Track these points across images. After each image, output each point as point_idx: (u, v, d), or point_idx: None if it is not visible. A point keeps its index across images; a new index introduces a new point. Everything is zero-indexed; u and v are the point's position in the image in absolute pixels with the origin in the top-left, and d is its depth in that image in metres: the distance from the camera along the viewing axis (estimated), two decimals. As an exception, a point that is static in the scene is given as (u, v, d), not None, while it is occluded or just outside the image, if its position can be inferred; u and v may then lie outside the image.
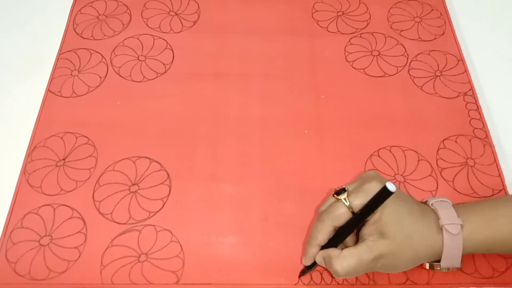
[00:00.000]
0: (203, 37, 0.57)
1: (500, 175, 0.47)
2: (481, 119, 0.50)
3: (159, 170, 0.47)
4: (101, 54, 0.55)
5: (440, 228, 0.37)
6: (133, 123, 0.50)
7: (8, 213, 0.44)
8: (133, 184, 0.46)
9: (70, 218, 0.44)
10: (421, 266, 0.40)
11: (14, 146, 0.48)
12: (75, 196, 0.45)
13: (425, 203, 0.40)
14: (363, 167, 0.47)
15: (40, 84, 0.52)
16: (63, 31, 0.57)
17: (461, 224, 0.37)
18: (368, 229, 0.37)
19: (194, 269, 0.41)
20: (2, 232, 0.43)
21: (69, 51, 0.55)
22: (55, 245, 0.42)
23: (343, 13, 0.60)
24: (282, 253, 0.42)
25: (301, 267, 0.41)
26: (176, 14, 0.59)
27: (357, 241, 0.38)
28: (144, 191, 0.45)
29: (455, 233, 0.36)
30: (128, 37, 0.57)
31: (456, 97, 0.52)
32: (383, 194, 0.34)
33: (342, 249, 0.37)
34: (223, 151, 0.48)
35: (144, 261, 0.41)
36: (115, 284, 0.40)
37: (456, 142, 0.49)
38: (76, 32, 0.57)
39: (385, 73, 0.54)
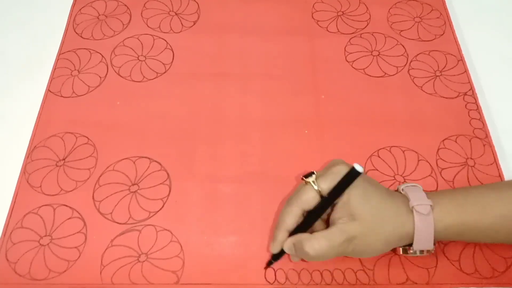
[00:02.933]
0: (203, 37, 0.57)
1: (500, 175, 0.47)
2: (481, 119, 0.50)
3: (159, 170, 0.47)
4: (101, 54, 0.55)
5: (410, 210, 0.37)
6: (133, 123, 0.50)
7: (8, 213, 0.44)
8: (133, 184, 0.46)
9: (70, 218, 0.44)
10: (395, 251, 0.40)
11: (14, 146, 0.48)
12: (75, 196, 0.45)
13: (397, 190, 0.41)
14: (363, 167, 0.47)
15: (40, 84, 0.52)
16: (63, 31, 0.57)
17: (431, 205, 0.37)
18: (337, 213, 0.37)
19: (194, 269, 0.41)
20: (2, 232, 0.43)
21: (69, 51, 0.55)
22: (55, 245, 0.42)
23: (343, 13, 0.60)
24: (282, 253, 0.42)
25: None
26: (176, 14, 0.59)
27: (326, 227, 0.38)
28: (144, 191, 0.45)
29: (425, 213, 0.36)
30: (128, 37, 0.57)
31: (456, 97, 0.52)
32: (351, 175, 0.35)
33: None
34: (223, 151, 0.48)
35: (144, 261, 0.41)
36: (115, 284, 0.40)
37: (456, 142, 0.49)
38: (76, 32, 0.57)
39: (385, 73, 0.54)
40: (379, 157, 0.48)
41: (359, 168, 0.34)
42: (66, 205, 0.44)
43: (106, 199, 0.45)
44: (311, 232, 0.37)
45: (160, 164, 0.47)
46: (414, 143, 0.49)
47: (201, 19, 0.59)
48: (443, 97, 0.52)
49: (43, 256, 0.42)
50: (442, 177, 0.46)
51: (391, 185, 0.46)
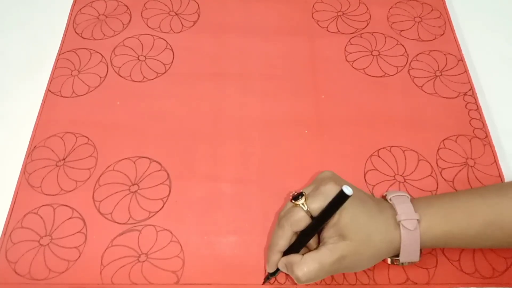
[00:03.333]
0: (203, 37, 0.57)
1: (500, 175, 0.47)
2: (481, 119, 0.50)
3: (159, 170, 0.47)
4: (101, 54, 0.55)
5: (398, 224, 0.37)
6: (133, 123, 0.50)
7: (8, 213, 0.44)
8: (133, 184, 0.46)
9: (70, 218, 0.44)
10: (384, 261, 0.41)
11: (14, 146, 0.48)
12: (75, 196, 0.45)
13: (385, 197, 0.41)
14: (363, 167, 0.47)
15: (40, 84, 0.52)
16: (63, 31, 0.57)
17: (418, 220, 0.37)
18: (328, 232, 0.37)
19: (194, 269, 0.41)
20: (2, 232, 0.43)
21: (69, 51, 0.55)
22: (55, 245, 0.42)
23: (343, 13, 0.60)
24: (282, 253, 0.42)
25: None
26: (176, 14, 0.59)
27: (319, 242, 0.38)
28: (144, 191, 0.45)
29: (411, 229, 0.37)
30: (128, 37, 0.57)
31: (456, 97, 0.52)
32: (340, 198, 0.35)
33: (304, 253, 0.37)
34: (223, 151, 0.48)
35: (144, 261, 0.41)
36: (115, 284, 0.40)
37: (456, 142, 0.49)
38: (76, 32, 0.57)
39: (385, 73, 0.54)
40: (379, 157, 0.48)
41: (348, 191, 0.34)
42: (66, 205, 0.44)
43: (106, 199, 0.45)
44: (306, 250, 0.38)
45: (160, 164, 0.47)
46: (414, 143, 0.49)
47: (201, 19, 0.59)
48: (443, 97, 0.52)
49: (43, 256, 0.42)
50: (442, 177, 0.46)
51: (391, 185, 0.46)
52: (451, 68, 0.54)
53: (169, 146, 0.48)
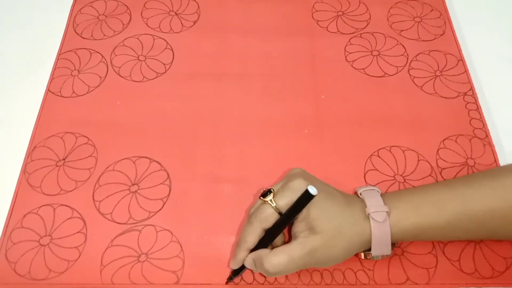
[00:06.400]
0: (203, 37, 0.57)
1: (500, 175, 0.47)
2: (481, 119, 0.50)
3: (159, 170, 0.47)
4: (101, 54, 0.55)
5: (367, 216, 0.38)
6: (133, 123, 0.50)
7: (8, 213, 0.44)
8: (133, 184, 0.46)
9: (70, 218, 0.44)
10: (357, 256, 0.41)
11: (14, 146, 0.48)
12: (75, 196, 0.45)
13: (356, 193, 0.42)
14: (363, 167, 0.47)
15: (40, 84, 0.52)
16: (63, 31, 0.57)
17: (387, 212, 0.37)
18: (298, 227, 0.37)
19: (194, 269, 0.41)
20: (2, 232, 0.43)
21: (69, 51, 0.55)
22: (55, 245, 0.42)
23: (343, 13, 0.60)
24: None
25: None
26: (176, 14, 0.59)
27: (288, 241, 0.38)
28: (144, 191, 0.45)
29: (380, 221, 0.37)
30: (128, 37, 0.57)
31: (456, 97, 0.52)
32: (306, 197, 0.35)
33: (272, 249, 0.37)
34: (223, 151, 0.48)
35: (144, 261, 0.41)
36: (115, 284, 0.40)
37: (456, 142, 0.49)
38: (76, 32, 0.57)
39: (385, 73, 0.54)
40: (379, 157, 0.48)
41: (312, 191, 0.35)
42: (66, 205, 0.44)
43: (106, 199, 0.45)
44: (272, 247, 0.38)
45: (160, 164, 0.47)
46: (414, 143, 0.49)
47: (201, 19, 0.59)
48: (443, 97, 0.52)
49: (43, 256, 0.42)
50: (442, 177, 0.46)
51: (391, 185, 0.46)
52: (451, 68, 0.54)
53: (169, 146, 0.48)
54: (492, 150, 0.48)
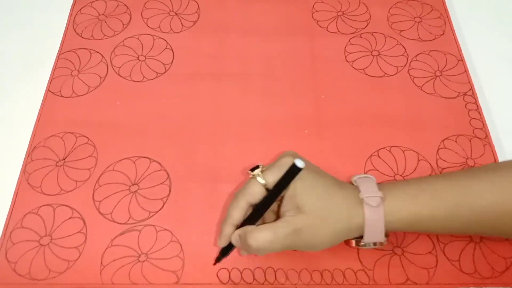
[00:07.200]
0: (203, 37, 0.57)
1: (500, 175, 0.46)
2: (481, 119, 0.50)
3: (159, 170, 0.47)
4: (101, 54, 0.55)
5: (361, 202, 0.37)
6: (133, 123, 0.50)
7: (8, 213, 0.44)
8: (133, 184, 0.46)
9: (70, 218, 0.44)
10: (348, 244, 0.40)
11: (14, 146, 0.48)
12: (75, 196, 0.45)
13: (351, 182, 0.41)
14: (363, 167, 0.47)
15: (40, 84, 0.52)
16: (63, 31, 0.57)
17: (381, 197, 0.37)
18: (285, 206, 0.37)
19: (194, 269, 0.41)
20: (2, 232, 0.43)
21: (69, 51, 0.55)
22: (55, 245, 0.42)
23: (343, 13, 0.60)
24: (282, 253, 0.42)
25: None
26: (176, 14, 0.59)
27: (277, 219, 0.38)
28: (144, 191, 0.45)
29: (374, 205, 0.36)
30: (128, 37, 0.57)
31: (456, 97, 0.52)
32: (293, 171, 0.35)
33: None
34: (223, 151, 0.48)
35: (144, 261, 0.41)
36: (115, 284, 0.40)
37: (456, 142, 0.49)
38: (76, 32, 0.57)
39: (385, 73, 0.54)
40: (379, 157, 0.48)
41: (300, 164, 0.34)
42: (66, 205, 0.44)
43: (106, 199, 0.45)
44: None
45: (160, 164, 0.47)
46: (414, 143, 0.49)
47: (201, 19, 0.59)
48: (443, 97, 0.52)
49: (43, 256, 0.42)
50: (442, 177, 0.46)
51: (391, 185, 0.46)
52: (451, 68, 0.54)
53: (169, 146, 0.48)
54: (492, 150, 0.48)
